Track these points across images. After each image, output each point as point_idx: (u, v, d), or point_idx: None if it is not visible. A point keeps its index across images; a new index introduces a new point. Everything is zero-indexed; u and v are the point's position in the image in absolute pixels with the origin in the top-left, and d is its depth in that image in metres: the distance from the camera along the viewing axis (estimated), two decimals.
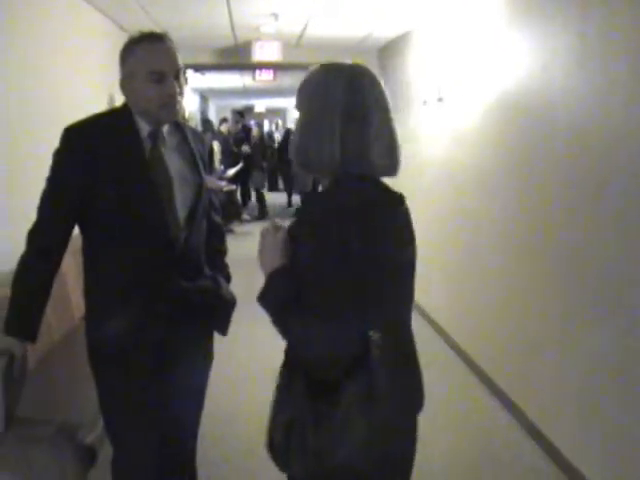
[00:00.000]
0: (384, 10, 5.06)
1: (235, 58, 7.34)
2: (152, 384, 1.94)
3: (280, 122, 19.97)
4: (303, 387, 1.43)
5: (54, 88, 3.81)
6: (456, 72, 4.67)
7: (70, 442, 2.17)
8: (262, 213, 11.56)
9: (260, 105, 21.23)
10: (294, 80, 10.32)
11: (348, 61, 1.50)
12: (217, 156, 9.54)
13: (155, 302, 1.93)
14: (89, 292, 2.02)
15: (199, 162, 2.06)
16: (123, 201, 1.87)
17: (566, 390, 3.08)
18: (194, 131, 2.17)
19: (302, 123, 1.50)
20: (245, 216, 11.30)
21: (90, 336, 1.99)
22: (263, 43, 6.83)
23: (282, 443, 1.46)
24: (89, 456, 2.26)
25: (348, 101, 1.45)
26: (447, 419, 3.58)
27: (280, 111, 23.61)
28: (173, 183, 1.96)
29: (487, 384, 4.04)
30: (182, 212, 1.98)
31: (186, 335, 2.01)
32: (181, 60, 1.91)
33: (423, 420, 1.57)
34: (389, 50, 6.88)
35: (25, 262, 1.93)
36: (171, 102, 1.90)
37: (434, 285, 5.10)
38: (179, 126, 2.06)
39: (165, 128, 2.00)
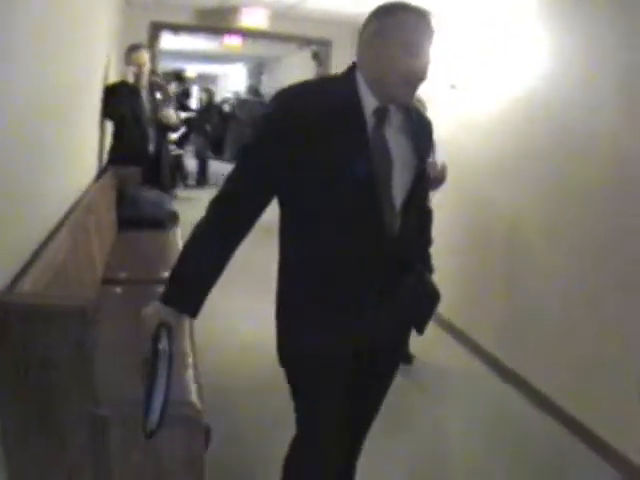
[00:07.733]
0: None
1: (216, 21, 7.00)
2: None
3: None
4: None
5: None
6: (474, 60, 4.68)
7: (197, 423, 2.06)
8: (202, 180, 11.58)
9: (191, 70, 20.48)
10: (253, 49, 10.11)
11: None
12: None
13: (360, 300, 1.78)
14: (285, 290, 1.87)
15: (421, 145, 1.85)
16: (335, 182, 1.67)
17: None
18: (418, 112, 1.94)
19: None
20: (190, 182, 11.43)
21: (291, 342, 1.87)
22: (251, 10, 6.57)
23: None
24: (207, 437, 2.16)
25: None
26: None
27: (211, 78, 22.94)
28: (393, 166, 1.75)
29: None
30: (399, 198, 1.78)
31: (389, 338, 1.92)
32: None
33: None
34: None
35: (205, 232, 1.72)
36: (418, 82, 1.72)
37: None
38: (404, 105, 1.84)
39: (391, 106, 1.78)
